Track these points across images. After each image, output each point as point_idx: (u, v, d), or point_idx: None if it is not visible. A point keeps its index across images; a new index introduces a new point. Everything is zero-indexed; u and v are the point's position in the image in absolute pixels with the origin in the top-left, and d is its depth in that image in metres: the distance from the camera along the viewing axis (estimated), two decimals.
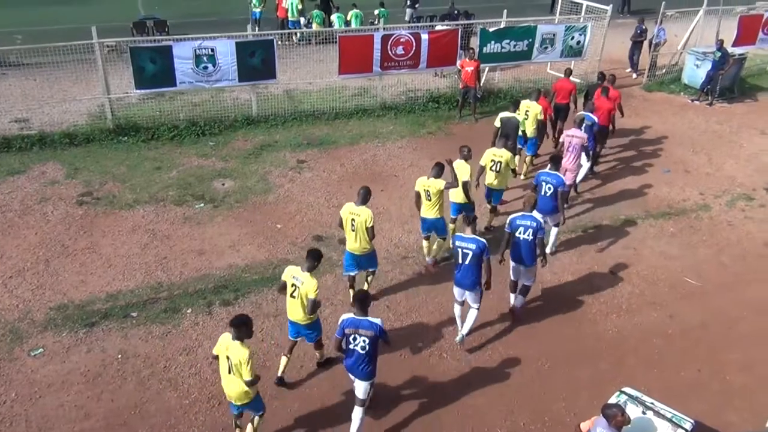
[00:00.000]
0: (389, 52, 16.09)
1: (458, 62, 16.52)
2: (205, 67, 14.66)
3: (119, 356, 8.53)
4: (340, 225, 9.21)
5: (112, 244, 10.84)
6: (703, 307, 10.03)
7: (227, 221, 11.66)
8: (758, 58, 21.51)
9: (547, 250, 10.54)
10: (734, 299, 10.23)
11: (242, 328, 6.58)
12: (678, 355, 9.00)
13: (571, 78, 14.79)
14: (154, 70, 14.29)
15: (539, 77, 18.86)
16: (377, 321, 7.03)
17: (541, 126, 13.20)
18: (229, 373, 6.67)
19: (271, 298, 9.68)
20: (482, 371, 8.59)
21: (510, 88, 18.25)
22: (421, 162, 13.83)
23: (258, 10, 21.88)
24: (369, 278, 9.64)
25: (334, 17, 22.07)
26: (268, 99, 16.30)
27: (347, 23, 21.66)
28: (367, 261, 9.35)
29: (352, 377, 7.34)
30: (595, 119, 12.82)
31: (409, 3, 24.06)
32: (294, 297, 7.69)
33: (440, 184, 9.69)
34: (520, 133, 12.80)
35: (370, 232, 8.92)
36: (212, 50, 14.58)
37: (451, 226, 10.65)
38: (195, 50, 14.45)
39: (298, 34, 20.60)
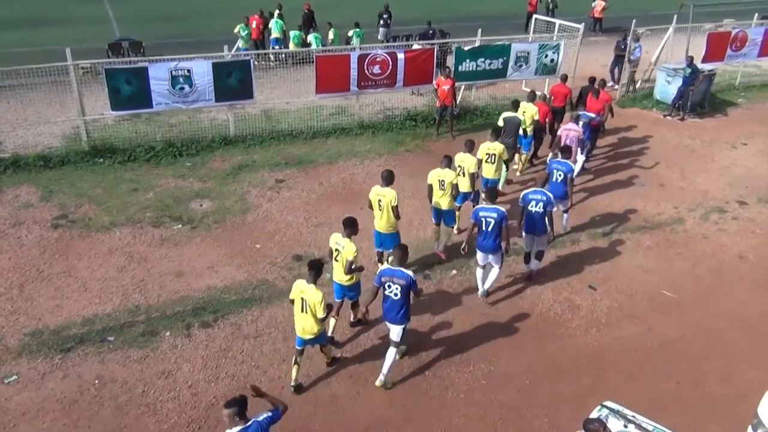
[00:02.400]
0: (366, 71, 16.18)
1: (434, 81, 16.67)
2: (182, 88, 14.62)
3: (96, 382, 8.38)
4: (370, 206, 10.16)
5: (88, 268, 10.69)
6: (681, 319, 10.13)
7: (205, 242, 11.57)
8: (727, 74, 22.02)
9: (562, 231, 12.08)
10: (711, 311, 10.35)
11: (314, 272, 7.87)
12: (658, 368, 9.06)
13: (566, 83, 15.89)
14: (130, 91, 14.23)
15: (515, 95, 19.03)
16: (410, 272, 8.08)
17: (538, 126, 14.27)
18: (303, 312, 7.89)
19: (251, 318, 9.61)
20: (464, 389, 8.57)
21: (486, 106, 18.45)
22: (400, 180, 13.73)
23: (247, 46, 21.81)
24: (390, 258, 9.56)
25: (310, 37, 22.21)
26: (245, 119, 16.29)
27: (327, 42, 21.80)
28: (390, 241, 10.06)
29: (387, 323, 8.38)
30: (592, 116, 14.19)
31: (382, 23, 24.35)
32: (337, 261, 8.81)
33: (452, 176, 10.68)
34: (521, 132, 13.68)
35: (395, 211, 9.93)
36: (188, 71, 14.57)
37: (457, 213, 11.64)
38: (171, 71, 14.42)
39: (272, 56, 20.65)
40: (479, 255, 10.05)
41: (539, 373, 8.86)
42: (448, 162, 10.82)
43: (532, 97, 14.38)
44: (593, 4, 28.55)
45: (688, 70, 18.07)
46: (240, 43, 21.75)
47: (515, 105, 13.99)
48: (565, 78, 16.08)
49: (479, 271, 10.26)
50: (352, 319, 9.55)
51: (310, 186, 13.76)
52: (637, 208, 13.42)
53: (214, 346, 9.08)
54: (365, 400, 8.27)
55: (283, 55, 20.34)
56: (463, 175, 11.27)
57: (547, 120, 14.65)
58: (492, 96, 19.01)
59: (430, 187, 10.79)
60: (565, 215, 12.13)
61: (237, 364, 8.76)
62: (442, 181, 10.63)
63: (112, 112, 14.62)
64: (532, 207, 10.25)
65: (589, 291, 10.70)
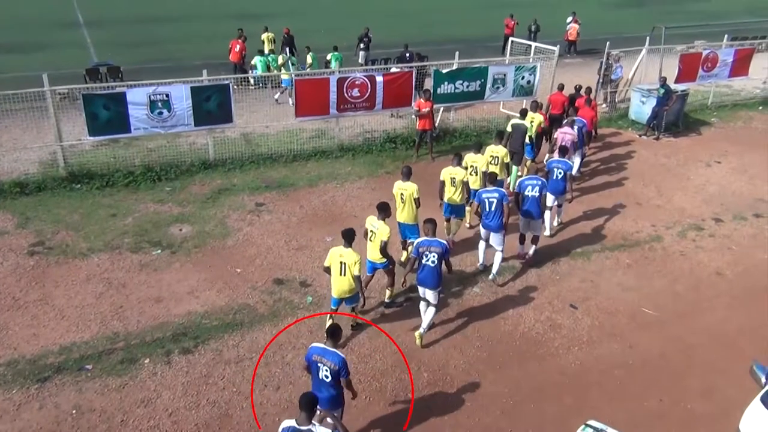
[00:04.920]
0: (345, 94, 16.26)
1: (414, 103, 16.80)
2: (160, 113, 14.57)
3: (74, 411, 8.21)
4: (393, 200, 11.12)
5: (65, 295, 10.53)
6: (662, 336, 10.21)
7: (185, 267, 11.46)
8: (699, 94, 22.48)
9: (554, 224, 13.27)
10: (690, 327, 10.44)
11: (348, 238, 9.03)
12: (640, 386, 9.11)
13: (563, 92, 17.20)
14: (108, 116, 14.14)
15: (493, 116, 19.31)
16: (445, 242, 9.38)
17: (539, 133, 15.38)
18: (341, 274, 9.06)
19: (232, 344, 9.51)
20: (447, 411, 8.53)
21: (465, 127, 18.62)
22: None
23: (287, 77, 21.85)
24: (409, 248, 11.09)
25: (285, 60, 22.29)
26: (225, 143, 16.26)
27: (306, 66, 21.94)
28: (410, 231, 11.13)
29: (422, 288, 9.46)
30: (585, 122, 15.24)
31: (362, 46, 24.59)
32: (371, 241, 9.86)
33: (463, 174, 11.72)
34: (527, 140, 14.83)
35: (417, 203, 10.95)
36: (167, 95, 14.53)
37: (468, 208, 12.82)
38: (149, 96, 14.37)
39: (252, 79, 20.69)
40: (483, 231, 11.29)
41: (523, 393, 8.86)
42: (459, 160, 11.91)
43: (535, 107, 15.43)
44: (567, 28, 29.13)
45: (662, 91, 18.43)
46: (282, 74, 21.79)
47: (523, 114, 15.01)
48: (561, 87, 17.22)
49: (482, 244, 11.47)
50: (386, 299, 10.49)
51: (290, 209, 13.73)
52: (615, 227, 13.57)
53: (194, 372, 8.96)
54: (348, 424, 8.15)
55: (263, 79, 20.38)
56: (474, 174, 12.37)
57: (543, 127, 15.55)
58: (470, 117, 19.22)
59: (443, 183, 11.79)
60: (560, 209, 13.18)
61: (218, 390, 8.65)
62: (454, 178, 11.65)
63: (90, 138, 14.50)
64: (528, 192, 11.33)
65: (571, 310, 10.75)
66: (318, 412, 6.49)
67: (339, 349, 7.22)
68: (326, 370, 7.03)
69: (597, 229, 13.46)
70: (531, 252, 11.96)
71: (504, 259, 11.73)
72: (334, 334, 7.23)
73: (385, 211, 9.88)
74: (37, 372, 8.81)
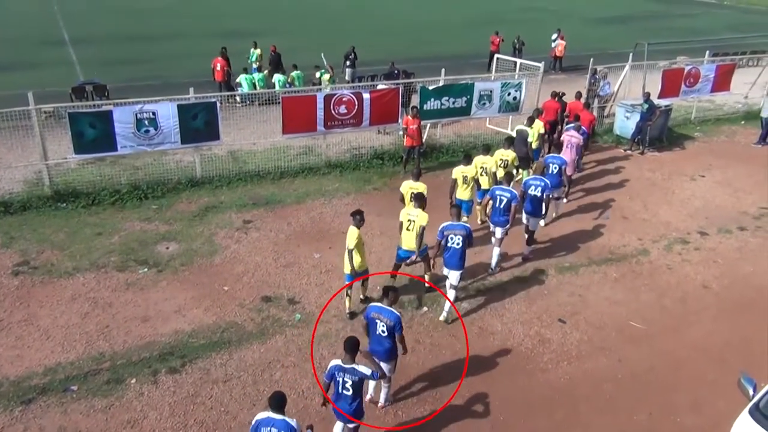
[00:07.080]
0: (332, 111, 16.30)
1: (402, 120, 16.87)
2: (147, 131, 14.52)
3: None
4: (402, 200, 11.89)
5: (50, 315, 10.40)
6: (650, 350, 10.23)
7: (172, 285, 11.38)
8: (683, 109, 22.75)
9: (553, 215, 14.21)
10: (678, 341, 10.49)
11: (359, 217, 10.00)
12: (629, 399, 9.11)
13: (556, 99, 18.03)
14: (94, 134, 14.06)
15: (479, 132, 19.43)
16: (468, 225, 10.34)
17: (541, 138, 16.33)
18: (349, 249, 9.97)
19: (220, 362, 9.43)
20: (438, 428, 8.48)
21: (451, 143, 18.71)
22: (368, 218, 13.74)
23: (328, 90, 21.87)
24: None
25: (275, 78, 22.42)
26: (212, 160, 16.23)
27: (290, 84, 22.02)
28: None
29: (446, 270, 10.37)
30: (586, 130, 16.58)
31: (349, 63, 24.71)
32: (410, 230, 10.55)
33: (473, 171, 12.83)
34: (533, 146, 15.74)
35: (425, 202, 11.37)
36: (153, 113, 14.49)
37: (477, 207, 13.63)
38: (136, 114, 14.33)
39: (238, 97, 20.74)
40: (491, 225, 12.16)
41: (513, 409, 8.83)
42: (468, 161, 12.87)
43: (537, 114, 16.27)
44: (553, 45, 29.46)
45: (646, 106, 18.65)
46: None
47: (530, 120, 15.76)
48: (554, 94, 18.03)
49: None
50: (427, 278, 11.37)
51: (278, 226, 13.69)
52: (602, 241, 13.64)
53: (181, 392, 8.86)
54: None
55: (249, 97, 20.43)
56: (485, 175, 13.22)
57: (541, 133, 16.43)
58: (457, 133, 19.32)
59: (455, 180, 12.76)
60: (559, 202, 14.29)
61: (206, 410, 8.56)
62: (466, 176, 12.67)
63: (76, 156, 14.42)
64: (531, 191, 12.19)
65: (559, 324, 10.77)
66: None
67: (394, 308, 8.06)
68: (383, 326, 7.93)
69: (584, 243, 13.52)
70: (526, 251, 12.74)
71: (492, 275, 12.10)
72: (388, 293, 8.11)
73: (421, 200, 10.72)
74: (21, 394, 8.68)
